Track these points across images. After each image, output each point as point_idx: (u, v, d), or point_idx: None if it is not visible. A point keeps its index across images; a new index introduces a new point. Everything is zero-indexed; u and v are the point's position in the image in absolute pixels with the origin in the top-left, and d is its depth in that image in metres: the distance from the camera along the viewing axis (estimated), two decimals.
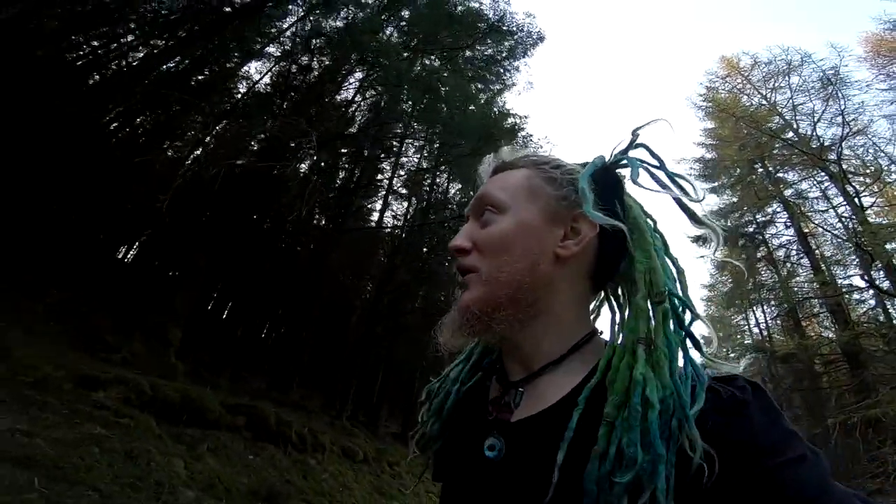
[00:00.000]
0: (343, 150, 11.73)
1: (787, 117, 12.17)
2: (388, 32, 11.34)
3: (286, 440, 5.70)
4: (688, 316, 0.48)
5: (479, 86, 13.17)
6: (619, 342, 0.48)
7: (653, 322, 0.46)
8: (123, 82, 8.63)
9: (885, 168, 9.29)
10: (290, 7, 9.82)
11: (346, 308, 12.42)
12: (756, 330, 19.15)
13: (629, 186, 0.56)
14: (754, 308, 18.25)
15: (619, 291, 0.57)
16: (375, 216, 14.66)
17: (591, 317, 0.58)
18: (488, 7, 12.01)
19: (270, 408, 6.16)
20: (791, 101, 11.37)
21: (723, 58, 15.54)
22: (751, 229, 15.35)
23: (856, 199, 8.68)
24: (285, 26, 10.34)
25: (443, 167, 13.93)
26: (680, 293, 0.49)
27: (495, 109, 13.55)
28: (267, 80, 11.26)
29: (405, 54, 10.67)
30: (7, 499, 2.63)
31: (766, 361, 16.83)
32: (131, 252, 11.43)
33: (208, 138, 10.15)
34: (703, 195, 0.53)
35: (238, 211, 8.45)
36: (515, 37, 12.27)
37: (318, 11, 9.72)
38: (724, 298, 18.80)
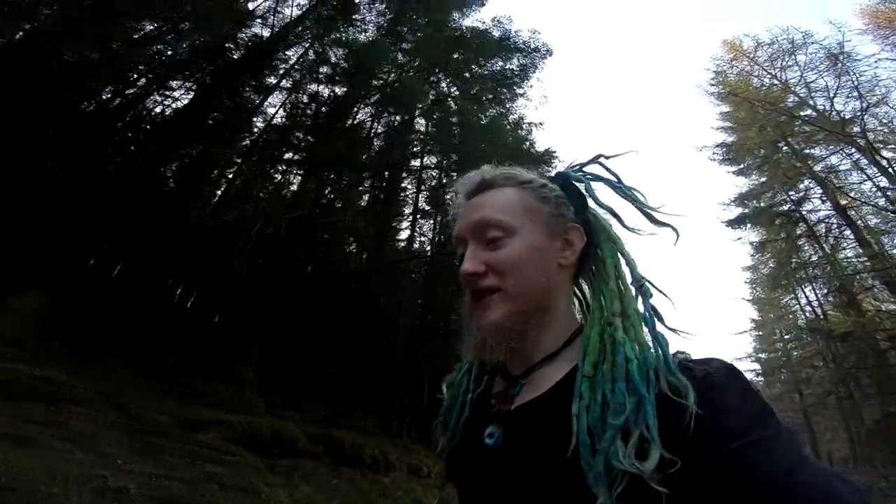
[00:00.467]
0: (364, 175, 12.29)
1: (801, 95, 11.96)
2: (396, 56, 11.82)
3: (360, 462, 6.24)
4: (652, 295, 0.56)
5: (490, 97, 13.36)
6: (595, 320, 0.55)
7: (627, 300, 0.55)
8: (146, 129, 9.10)
9: None
10: (297, 40, 10.25)
11: (391, 330, 13.02)
12: (808, 309, 18.33)
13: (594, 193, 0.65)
14: (802, 287, 17.50)
15: (586, 283, 0.65)
16: (404, 234, 15.20)
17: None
18: (492, 26, 12.60)
19: (341, 434, 6.73)
20: (802, 78, 11.20)
21: (725, 41, 15.33)
22: (786, 207, 14.96)
23: (890, 169, 8.54)
24: (293, 60, 10.80)
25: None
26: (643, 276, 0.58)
27: (509, 124, 13.76)
28: (282, 112, 11.68)
29: (411, 73, 11.15)
30: None
31: (823, 342, 15.96)
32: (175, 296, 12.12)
33: (247, 188, 10.73)
34: (662, 204, 0.60)
35: (287, 256, 9.25)
36: (523, 53, 12.68)
37: (325, 40, 9.96)
38: (768, 280, 18.12)
